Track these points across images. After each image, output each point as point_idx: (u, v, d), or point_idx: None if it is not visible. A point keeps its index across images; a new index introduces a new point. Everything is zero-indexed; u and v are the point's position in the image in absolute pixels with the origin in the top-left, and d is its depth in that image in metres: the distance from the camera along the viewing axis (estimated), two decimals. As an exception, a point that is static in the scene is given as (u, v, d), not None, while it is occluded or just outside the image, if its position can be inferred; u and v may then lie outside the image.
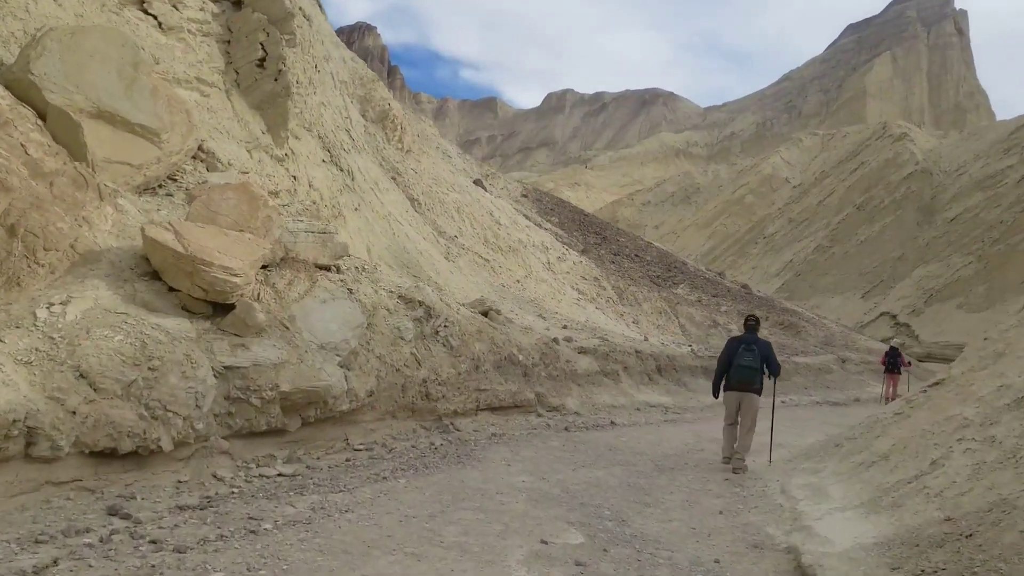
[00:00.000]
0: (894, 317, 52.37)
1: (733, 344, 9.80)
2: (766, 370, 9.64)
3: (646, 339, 20.59)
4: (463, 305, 13.04)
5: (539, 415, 12.14)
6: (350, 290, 9.75)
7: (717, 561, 5.65)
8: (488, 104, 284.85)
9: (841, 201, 63.41)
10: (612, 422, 12.40)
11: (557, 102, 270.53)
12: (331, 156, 15.73)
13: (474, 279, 18.90)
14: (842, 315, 50.57)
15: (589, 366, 14.36)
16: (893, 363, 20.90)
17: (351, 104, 21.13)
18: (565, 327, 17.22)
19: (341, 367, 8.75)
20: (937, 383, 8.91)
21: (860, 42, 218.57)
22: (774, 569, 5.53)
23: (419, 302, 10.90)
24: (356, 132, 19.46)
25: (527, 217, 28.17)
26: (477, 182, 28.27)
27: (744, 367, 9.46)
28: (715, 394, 9.99)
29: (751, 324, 10.04)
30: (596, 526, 6.20)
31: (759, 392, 9.56)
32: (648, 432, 11.65)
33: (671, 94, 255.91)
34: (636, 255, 34.84)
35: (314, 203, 13.39)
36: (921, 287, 52.47)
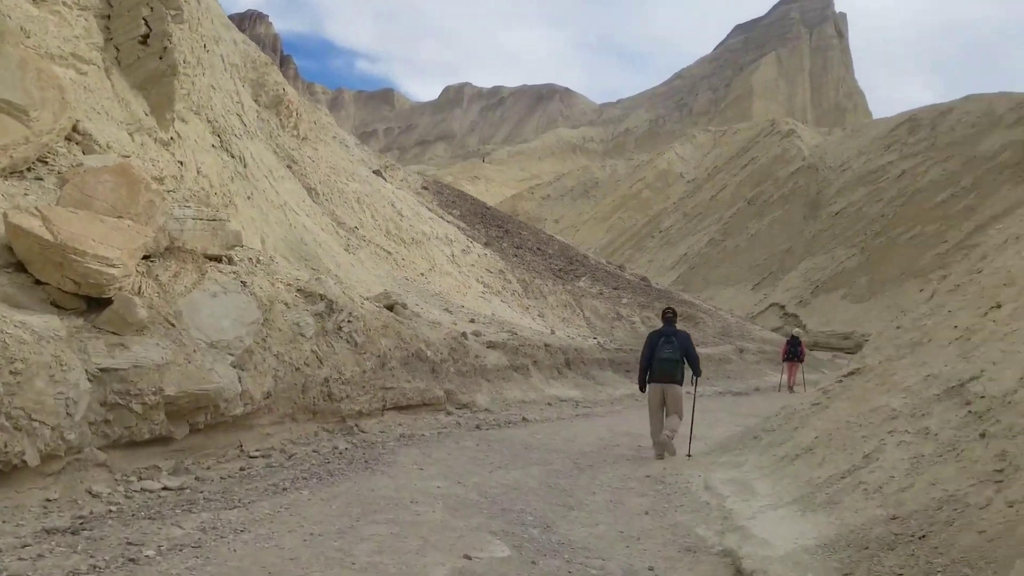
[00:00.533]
0: (783, 307, 54.11)
1: (653, 337, 9.89)
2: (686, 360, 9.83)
3: (553, 332, 20.32)
4: (367, 299, 12.37)
5: (449, 413, 11.62)
6: (244, 283, 8.98)
7: (651, 568, 5.28)
8: (385, 96, 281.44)
9: (733, 196, 65.13)
10: (524, 418, 11.99)
11: (455, 95, 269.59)
12: (221, 141, 14.74)
13: (376, 272, 18.19)
14: (734, 306, 51.83)
15: (499, 361, 13.92)
16: (793, 352, 21.38)
17: (243, 88, 20.02)
18: (472, 321, 16.74)
19: (234, 367, 8.00)
20: (852, 373, 8.85)
21: (747, 42, 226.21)
22: (712, 575, 5.20)
23: (320, 296, 10.20)
24: (248, 117, 18.42)
25: (430, 210, 27.52)
26: (377, 173, 27.44)
27: (665, 360, 9.61)
28: (641, 388, 10.06)
29: (669, 317, 10.17)
30: (521, 535, 5.73)
31: (681, 383, 9.75)
32: (561, 428, 11.29)
33: (567, 90, 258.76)
34: (538, 248, 34.67)
35: (203, 191, 12.44)
36: (808, 278, 54.36)
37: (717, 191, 67.00)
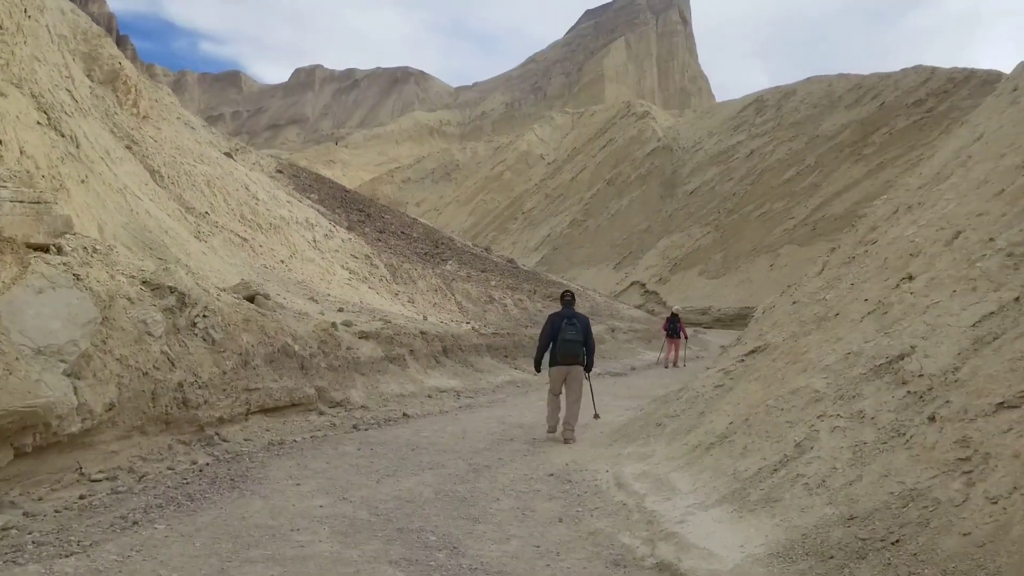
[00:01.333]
0: (643, 285, 55.30)
1: (556, 319, 9.88)
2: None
3: (425, 318, 19.44)
4: (224, 290, 11.11)
5: (321, 413, 10.58)
6: (77, 276, 7.65)
7: (581, 590, 4.58)
8: (231, 78, 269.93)
9: (592, 177, 65.95)
10: (404, 414, 11.10)
11: (306, 78, 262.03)
12: (49, 119, 12.94)
13: (232, 260, 16.73)
14: (597, 285, 52.50)
15: (373, 352, 12.93)
16: (674, 328, 21.60)
17: (73, 62, 17.95)
18: (341, 310, 15.64)
19: (68, 376, 6.74)
20: (754, 351, 8.50)
21: (597, 28, 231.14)
22: (649, 593, 4.55)
23: (169, 288, 8.93)
24: (80, 93, 16.47)
25: (288, 194, 25.93)
26: (228, 156, 25.57)
27: (569, 341, 9.63)
28: (537, 368, 10.15)
29: (568, 300, 10.24)
30: (426, 562, 4.91)
31: (583, 364, 9.82)
32: (447, 423, 10.47)
33: (423, 73, 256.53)
34: (402, 232, 33.60)
35: (27, 172, 10.79)
36: (666, 256, 55.77)
37: (577, 172, 67.67)
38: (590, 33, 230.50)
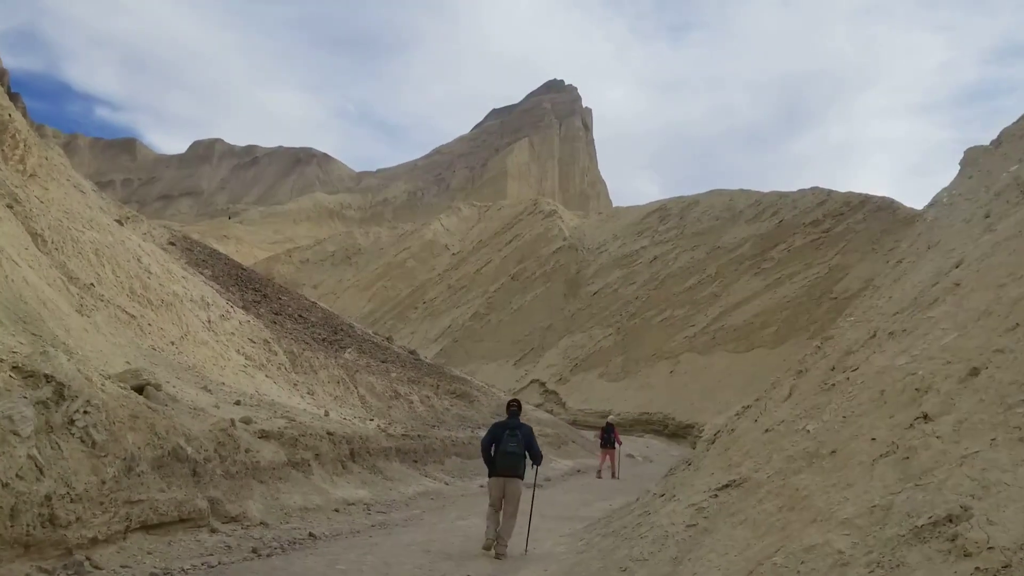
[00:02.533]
0: (543, 384, 54.55)
1: (497, 429, 9.71)
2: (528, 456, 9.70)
3: (327, 414, 17.88)
4: (109, 378, 9.51)
5: (214, 531, 9.00)
6: (-76, 361, 6.11)
7: None
8: (126, 145, 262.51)
9: (497, 271, 65.65)
10: (311, 534, 9.60)
11: (205, 151, 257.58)
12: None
13: (117, 340, 14.92)
14: (496, 381, 51.45)
15: (275, 456, 11.41)
16: (608, 439, 21.45)
17: (-49, 107, 16.16)
18: (238, 403, 14.02)
19: None
20: (729, 485, 7.57)
21: (503, 126, 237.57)
22: None
23: (46, 377, 7.41)
24: (-44, 141, 14.70)
25: (183, 268, 24.09)
26: (118, 223, 23.67)
27: (509, 453, 9.42)
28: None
29: (514, 410, 10.06)
30: None
31: (523, 477, 9.58)
32: (363, 549, 9.03)
33: (326, 155, 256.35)
34: (300, 316, 31.86)
35: None
36: (567, 356, 55.37)
37: (482, 265, 67.29)
38: (496, 131, 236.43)
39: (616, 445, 21.84)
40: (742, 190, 56.75)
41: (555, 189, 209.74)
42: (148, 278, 19.31)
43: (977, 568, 4.22)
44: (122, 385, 9.44)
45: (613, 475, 21.42)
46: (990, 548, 4.26)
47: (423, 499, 13.57)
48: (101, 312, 15.59)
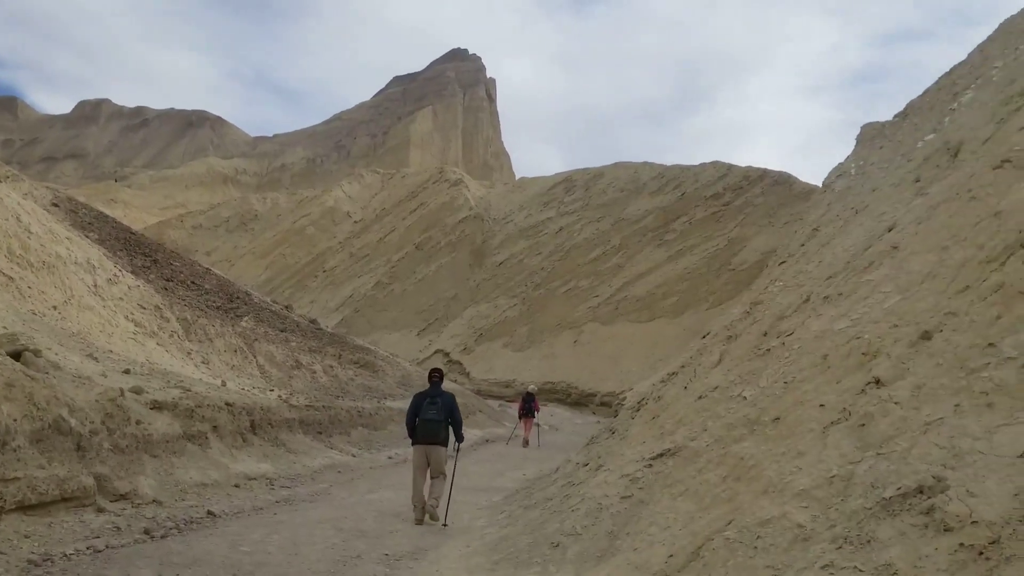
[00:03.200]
0: (447, 354, 54.07)
1: (418, 399, 9.95)
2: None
3: (224, 383, 16.88)
4: (-24, 344, 8.46)
5: (101, 510, 8.14)
6: None
7: None
8: (6, 103, 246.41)
9: (401, 239, 64.48)
10: (210, 512, 8.83)
11: (91, 111, 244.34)
12: None
13: (-12, 303, 13.58)
14: (399, 351, 50.72)
15: (169, 428, 10.51)
16: (528, 408, 21.97)
17: None
18: (128, 371, 12.94)
19: None
20: (664, 454, 7.23)
21: (405, 94, 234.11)
22: None
23: None
24: None
25: (67, 229, 22.38)
26: (-8, 178, 21.75)
27: (429, 420, 9.64)
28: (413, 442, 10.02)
29: (436, 379, 10.15)
30: None
31: (445, 443, 9.80)
32: (269, 528, 8.33)
33: (220, 119, 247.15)
34: (193, 282, 30.29)
35: None
36: (472, 326, 55.00)
37: (386, 233, 65.95)
38: (398, 98, 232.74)
39: (535, 414, 21.72)
40: (646, 163, 57.27)
41: (458, 159, 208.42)
42: (28, 238, 17.74)
43: (961, 544, 3.92)
44: (-8, 350, 8.41)
45: (526, 443, 21.61)
46: (974, 523, 3.96)
47: (330, 472, 12.88)
48: (-30, 273, 14.16)
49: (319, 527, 8.42)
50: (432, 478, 9.64)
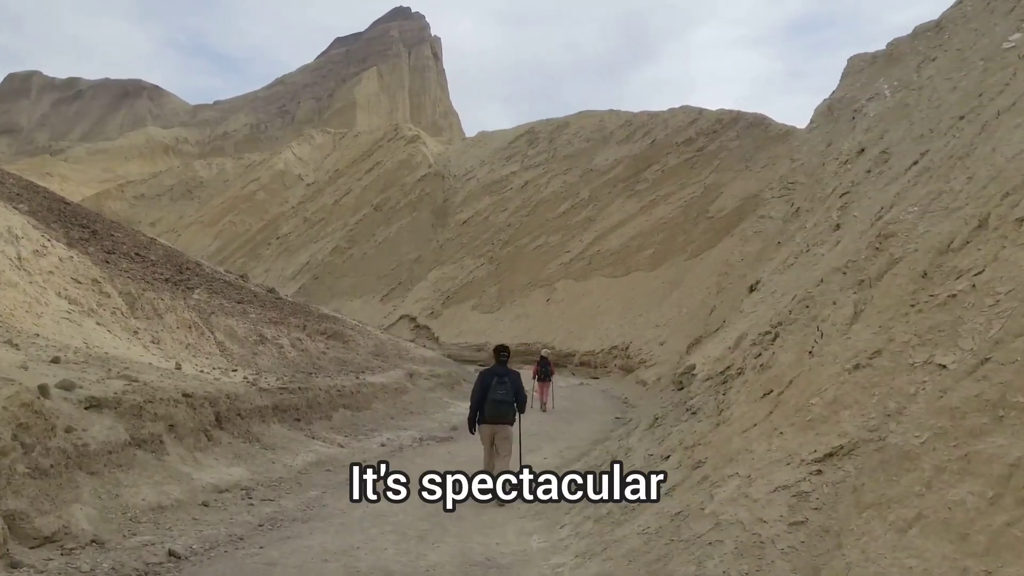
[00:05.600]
0: (414, 319, 51.71)
1: (487, 377, 9.60)
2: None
3: (179, 366, 14.37)
4: None
5: (16, 565, 5.74)
6: None
7: None
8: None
9: (358, 201, 61.42)
10: (172, 553, 6.46)
11: (21, 84, 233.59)
12: None
13: None
14: (363, 318, 48.24)
15: (111, 434, 8.06)
16: (545, 372, 20.78)
17: None
18: (56, 360, 10.38)
19: None
20: (834, 453, 5.04)
21: (348, 55, 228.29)
22: None
23: None
24: None
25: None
26: None
27: (499, 401, 9.38)
28: (471, 430, 9.77)
29: (503, 357, 9.83)
30: None
31: (512, 423, 9.56)
32: (255, 570, 6.00)
33: (157, 88, 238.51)
34: (137, 254, 27.34)
35: None
36: (438, 289, 52.62)
37: (341, 196, 62.75)
38: (341, 60, 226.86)
39: (551, 378, 21.26)
40: (612, 111, 54.84)
41: (407, 120, 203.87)
42: (-73, 205, 14.89)
43: None
44: None
45: (543, 408, 20.64)
46: None
47: (317, 471, 10.52)
48: None
49: (326, 569, 6.09)
50: (500, 457, 9.38)
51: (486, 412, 9.39)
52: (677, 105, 51.89)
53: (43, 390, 7.80)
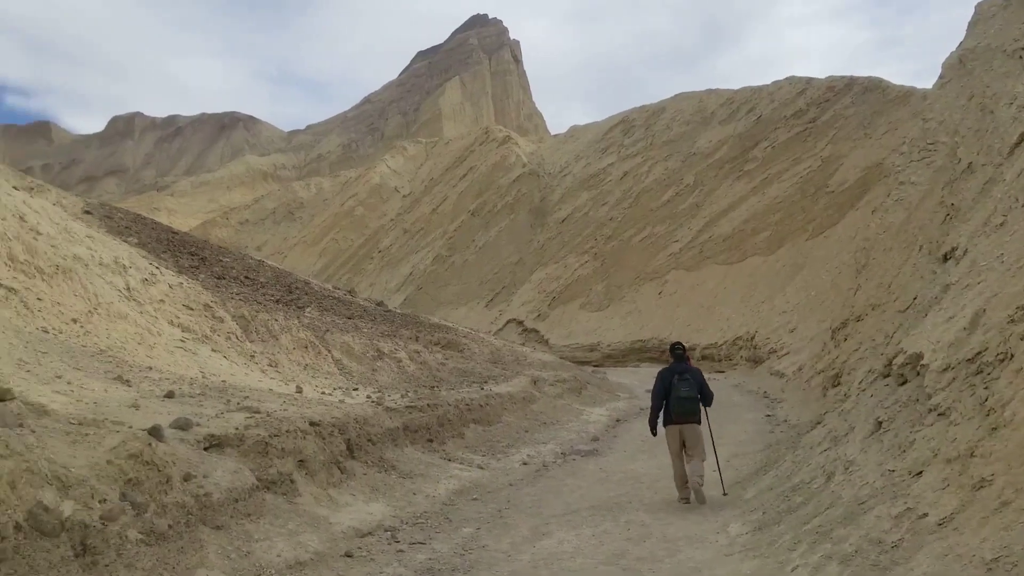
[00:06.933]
0: (521, 323, 50.56)
1: (667, 375, 9.18)
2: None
3: (300, 390, 13.41)
4: None
5: (132, 663, 4.56)
6: None
7: None
8: (40, 129, 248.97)
9: (455, 208, 60.79)
10: (321, 626, 5.20)
11: (125, 126, 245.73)
12: None
13: (-21, 325, 10.17)
14: (470, 325, 47.38)
15: (235, 478, 6.93)
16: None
17: None
18: (171, 394, 9.43)
19: None
20: None
21: (431, 67, 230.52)
22: None
23: None
24: None
25: (88, 224, 19.11)
26: (15, 188, 18.51)
27: (684, 399, 8.95)
28: (653, 432, 9.41)
29: (679, 353, 9.35)
30: None
31: (700, 422, 9.09)
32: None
33: (252, 118, 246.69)
34: (247, 277, 27.02)
35: None
36: (542, 290, 51.32)
37: (438, 204, 62.27)
38: (424, 73, 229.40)
39: None
40: (711, 90, 52.41)
41: (491, 126, 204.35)
42: (36, 240, 14.35)
43: None
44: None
45: None
46: None
47: (464, 501, 9.22)
48: (-45, 288, 10.76)
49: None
50: (690, 458, 8.86)
51: (672, 412, 8.97)
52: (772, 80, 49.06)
53: (156, 432, 6.72)
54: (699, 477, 8.68)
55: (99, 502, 5.17)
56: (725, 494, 8.96)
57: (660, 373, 9.34)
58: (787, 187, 41.86)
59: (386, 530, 7.69)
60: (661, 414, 9.16)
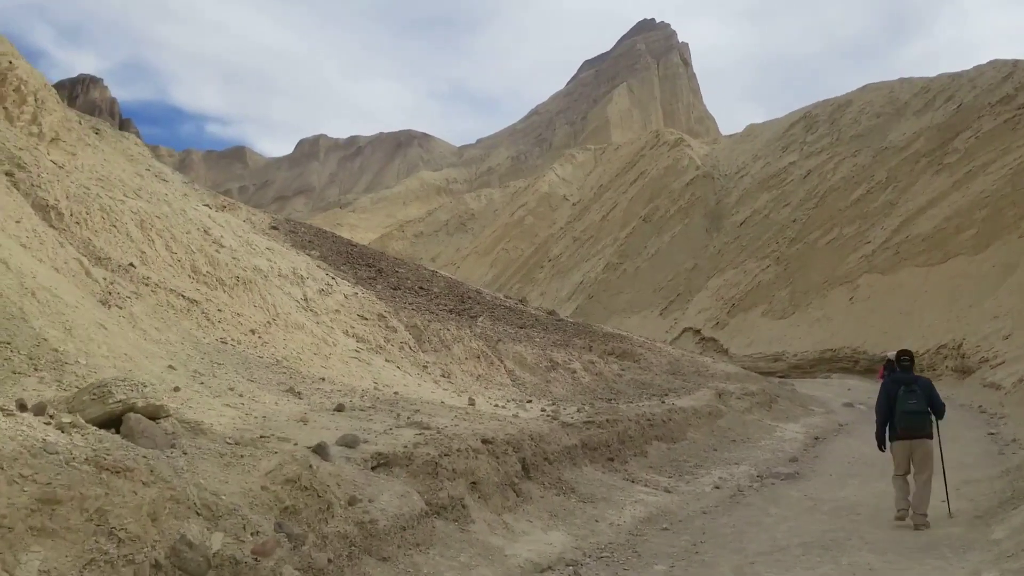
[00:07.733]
0: (698, 332, 48.55)
1: (892, 387, 8.59)
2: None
3: (472, 403, 12.83)
4: (27, 410, 4.52)
5: None
6: None
7: None
8: (236, 153, 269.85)
9: (625, 214, 59.54)
10: None
11: (311, 148, 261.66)
12: None
13: (163, 335, 10.21)
14: (644, 335, 45.93)
15: (404, 503, 6.27)
16: None
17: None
18: (341, 408, 9.02)
19: None
20: None
21: (598, 76, 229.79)
22: None
23: None
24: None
25: (267, 236, 19.59)
26: (207, 207, 19.34)
27: (911, 412, 8.39)
28: (880, 447, 8.78)
29: (906, 363, 8.76)
30: None
31: (931, 436, 8.48)
32: None
33: (425, 135, 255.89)
34: (421, 287, 27.20)
35: None
36: (720, 297, 49.09)
37: (608, 211, 61.25)
38: (591, 81, 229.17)
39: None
40: (903, 79, 48.43)
41: (662, 128, 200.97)
42: (218, 252, 14.67)
43: None
44: (48, 420, 4.41)
45: None
46: None
47: (653, 531, 8.20)
48: (141, 301, 10.92)
49: None
50: (919, 483, 8.25)
51: (897, 426, 8.47)
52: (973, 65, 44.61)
53: (321, 451, 6.19)
54: (923, 502, 8.14)
55: (251, 534, 4.59)
56: (951, 516, 8.36)
57: (883, 385, 8.81)
58: (995, 180, 37.76)
59: (568, 564, 6.81)
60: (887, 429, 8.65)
